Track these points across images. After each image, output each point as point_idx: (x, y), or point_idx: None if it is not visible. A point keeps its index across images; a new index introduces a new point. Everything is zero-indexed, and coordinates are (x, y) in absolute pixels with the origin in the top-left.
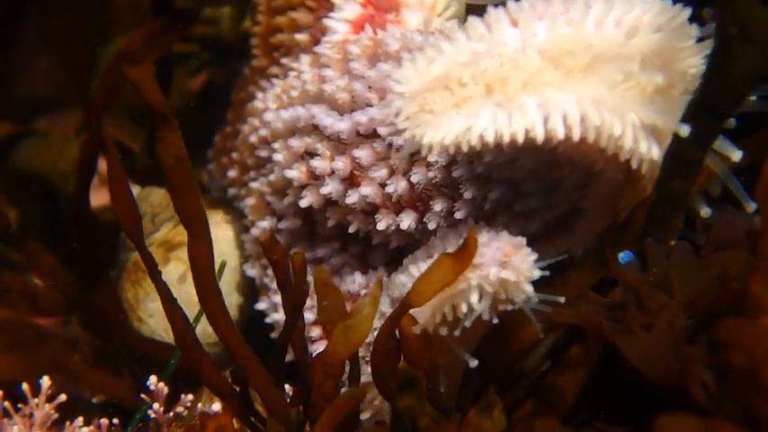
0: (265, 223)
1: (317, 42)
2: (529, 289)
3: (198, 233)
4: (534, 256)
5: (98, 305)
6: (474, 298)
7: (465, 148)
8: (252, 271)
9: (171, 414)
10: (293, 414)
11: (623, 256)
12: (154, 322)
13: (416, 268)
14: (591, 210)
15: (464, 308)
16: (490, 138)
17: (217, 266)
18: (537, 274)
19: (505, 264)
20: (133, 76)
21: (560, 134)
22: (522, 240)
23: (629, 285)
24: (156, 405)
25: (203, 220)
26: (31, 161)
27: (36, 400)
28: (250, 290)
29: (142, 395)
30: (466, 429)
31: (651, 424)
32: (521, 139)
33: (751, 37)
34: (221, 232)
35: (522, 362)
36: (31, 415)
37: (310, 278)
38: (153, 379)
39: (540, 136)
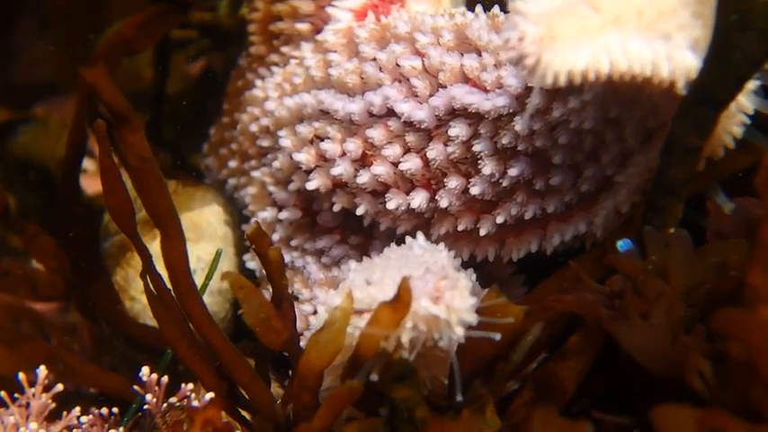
0: (266, 213)
1: (318, 31)
2: (459, 332)
3: (170, 234)
4: (472, 301)
5: (95, 292)
6: (404, 337)
7: (592, 77)
8: (252, 263)
9: (164, 405)
10: (279, 409)
11: (622, 243)
12: (146, 299)
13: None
14: (626, 184)
15: (391, 345)
16: (622, 68)
17: (212, 255)
18: (472, 318)
19: (437, 299)
20: (89, 78)
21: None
22: (460, 276)
23: (627, 273)
24: (148, 396)
25: (175, 218)
26: (29, 147)
27: (33, 389)
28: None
29: (139, 386)
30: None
31: (648, 413)
32: (648, 72)
33: (751, 24)
34: (217, 217)
35: (508, 353)
36: (28, 405)
37: (315, 270)
38: (145, 370)
39: (665, 73)
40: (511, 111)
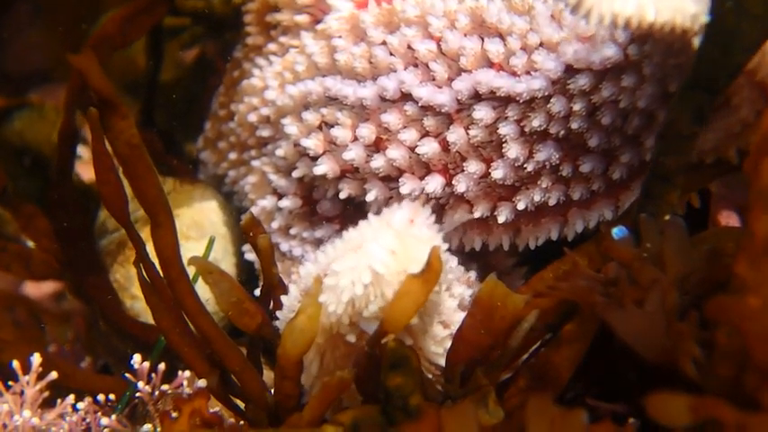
0: (266, 202)
1: (317, 22)
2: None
3: (160, 221)
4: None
5: (91, 287)
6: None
7: (635, 24)
8: (250, 255)
9: (156, 393)
10: (272, 398)
11: (617, 231)
12: None
13: (324, 255)
14: None
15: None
16: (665, 17)
17: (216, 254)
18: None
19: (410, 222)
20: (77, 64)
21: None
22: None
23: (622, 261)
24: (140, 384)
25: (165, 206)
26: (24, 133)
27: (27, 377)
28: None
29: (131, 374)
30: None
31: (642, 400)
32: (688, 24)
33: (747, 10)
34: (218, 215)
35: (506, 340)
36: (22, 393)
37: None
38: (137, 357)
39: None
40: (546, 93)
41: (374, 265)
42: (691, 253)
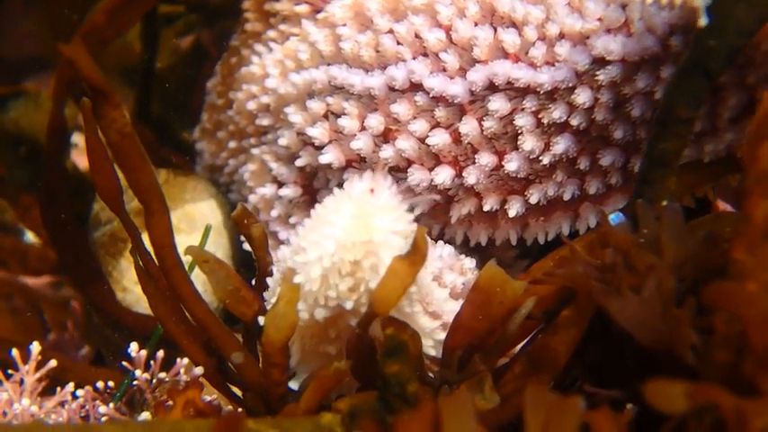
0: (265, 190)
1: (318, 12)
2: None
3: (154, 209)
4: (401, 226)
5: (84, 281)
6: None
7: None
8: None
9: (154, 380)
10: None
11: (614, 217)
12: (139, 290)
13: (296, 236)
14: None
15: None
16: None
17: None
18: (390, 237)
19: (372, 191)
20: (68, 53)
21: None
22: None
23: (618, 247)
24: (137, 372)
25: (159, 195)
26: (19, 122)
27: (26, 366)
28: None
29: (131, 364)
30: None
31: (640, 387)
32: None
33: None
34: (210, 208)
35: (503, 327)
36: (22, 381)
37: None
38: (134, 346)
39: None
40: (570, 84)
41: (336, 233)
42: (687, 238)
